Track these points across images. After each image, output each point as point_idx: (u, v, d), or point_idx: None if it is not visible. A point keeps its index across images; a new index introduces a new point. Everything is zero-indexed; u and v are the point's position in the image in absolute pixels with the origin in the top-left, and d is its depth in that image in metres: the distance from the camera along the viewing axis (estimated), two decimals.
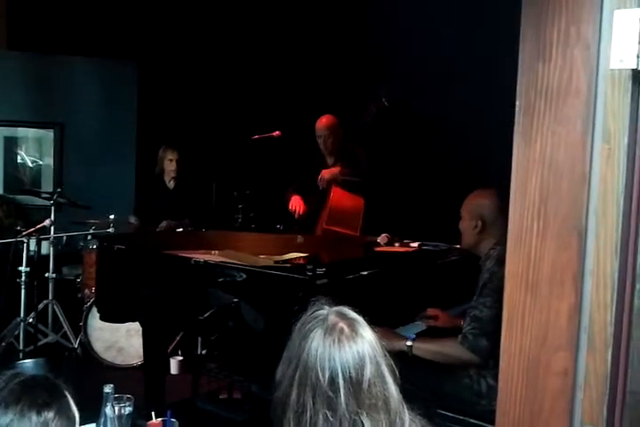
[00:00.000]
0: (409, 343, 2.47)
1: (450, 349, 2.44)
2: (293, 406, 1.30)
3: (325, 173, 4.30)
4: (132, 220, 4.88)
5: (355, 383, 1.28)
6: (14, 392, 1.30)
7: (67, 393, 1.36)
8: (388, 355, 1.35)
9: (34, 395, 1.30)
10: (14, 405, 1.27)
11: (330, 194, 4.23)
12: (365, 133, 4.20)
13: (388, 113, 4.13)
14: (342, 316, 1.36)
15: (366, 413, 1.28)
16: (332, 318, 1.35)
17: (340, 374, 1.28)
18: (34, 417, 1.27)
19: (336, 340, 1.31)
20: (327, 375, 1.28)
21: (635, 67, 1.27)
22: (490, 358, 2.35)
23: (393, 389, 1.33)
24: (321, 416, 1.27)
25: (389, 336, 2.44)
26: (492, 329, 2.26)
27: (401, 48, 4.47)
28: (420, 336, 2.53)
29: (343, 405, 1.27)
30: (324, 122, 4.40)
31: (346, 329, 1.33)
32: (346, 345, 1.30)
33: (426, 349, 2.47)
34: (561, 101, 1.34)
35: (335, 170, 4.29)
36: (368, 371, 1.29)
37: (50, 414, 1.29)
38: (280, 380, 1.35)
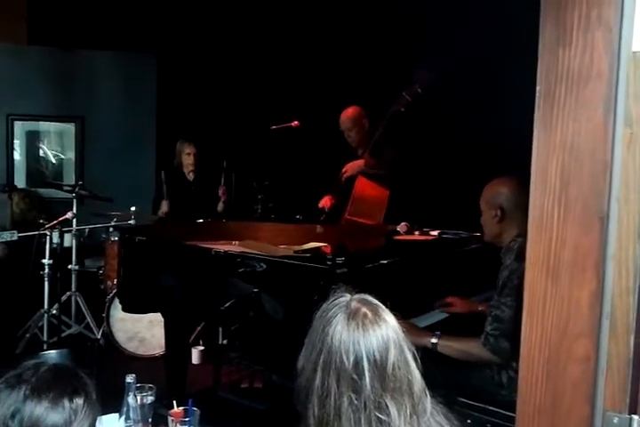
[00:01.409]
0: (434, 341, 2.47)
1: (472, 348, 2.44)
2: (317, 391, 1.30)
3: (348, 169, 4.26)
4: (165, 206, 4.92)
5: (379, 367, 1.29)
6: (43, 381, 1.31)
7: (88, 381, 1.38)
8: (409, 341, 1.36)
9: (63, 383, 1.32)
10: (46, 393, 1.29)
11: (355, 184, 4.21)
12: (396, 122, 4.11)
13: (420, 100, 4.01)
14: (364, 302, 1.37)
15: (390, 395, 1.28)
16: (355, 304, 1.35)
17: (365, 358, 1.28)
18: (66, 404, 1.29)
19: (360, 324, 1.31)
20: (352, 359, 1.28)
21: None
22: (511, 360, 2.34)
23: (416, 373, 1.33)
24: (345, 399, 1.28)
25: (414, 332, 2.44)
26: (513, 330, 2.25)
27: (427, 34, 4.43)
28: (444, 333, 2.52)
29: (368, 387, 1.27)
30: (346, 114, 4.34)
31: (369, 314, 1.33)
32: (369, 329, 1.31)
33: (450, 347, 2.47)
34: (582, 86, 1.32)
35: (360, 163, 4.24)
36: (392, 355, 1.30)
37: (80, 401, 1.31)
38: (303, 365, 1.36)
